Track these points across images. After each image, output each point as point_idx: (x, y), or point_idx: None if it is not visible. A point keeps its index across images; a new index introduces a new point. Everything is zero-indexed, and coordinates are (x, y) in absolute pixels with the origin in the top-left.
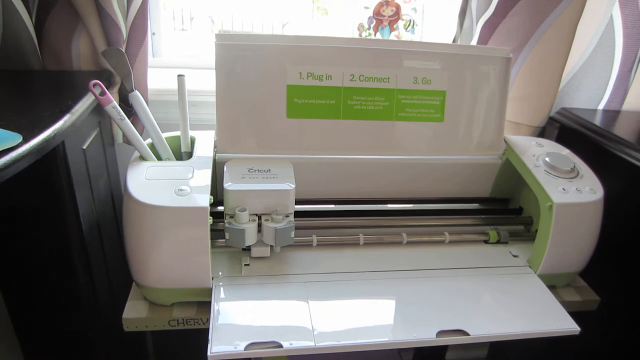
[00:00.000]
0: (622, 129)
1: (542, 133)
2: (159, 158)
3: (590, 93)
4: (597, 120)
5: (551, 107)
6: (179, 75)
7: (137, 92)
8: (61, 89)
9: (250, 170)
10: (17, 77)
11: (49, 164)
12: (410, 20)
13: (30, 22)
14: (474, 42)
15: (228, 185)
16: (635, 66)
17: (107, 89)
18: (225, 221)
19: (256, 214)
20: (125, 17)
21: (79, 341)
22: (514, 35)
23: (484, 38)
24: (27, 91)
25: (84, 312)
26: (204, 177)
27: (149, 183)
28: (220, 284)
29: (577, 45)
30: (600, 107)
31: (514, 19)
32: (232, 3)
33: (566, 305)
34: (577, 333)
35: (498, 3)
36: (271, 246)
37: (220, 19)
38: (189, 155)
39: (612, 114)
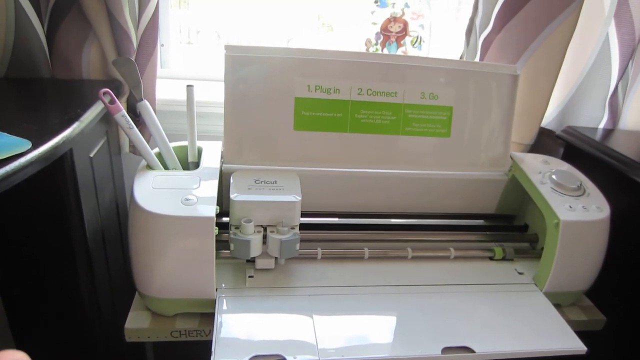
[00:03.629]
0: (628, 148)
1: (530, 151)
2: (166, 167)
3: (591, 111)
4: (603, 139)
5: (539, 124)
6: (188, 86)
7: (146, 102)
8: (70, 97)
9: (257, 182)
10: (27, 84)
11: (57, 171)
12: (417, 37)
13: (42, 31)
14: (477, 59)
15: (234, 196)
16: (628, 84)
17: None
18: (231, 232)
19: (262, 226)
20: (137, 27)
21: (80, 351)
22: (507, 51)
23: (483, 54)
24: (37, 99)
25: (86, 321)
26: (211, 188)
27: (155, 192)
28: (224, 295)
29: (575, 64)
30: (601, 125)
31: (508, 35)
32: (237, 18)
33: (572, 324)
34: (584, 353)
35: (495, 18)
36: (276, 258)
37: (226, 33)
38: (196, 165)
39: (617, 133)
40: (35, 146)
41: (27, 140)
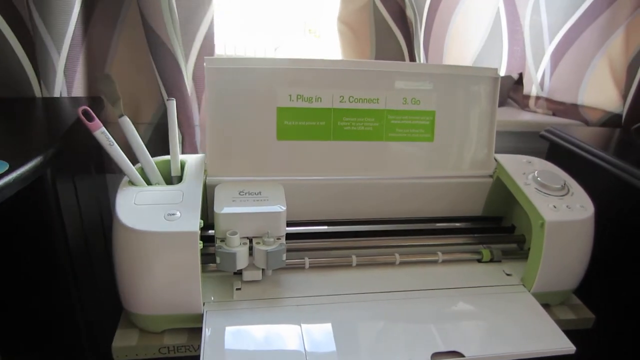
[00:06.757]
0: (610, 146)
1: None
2: (149, 183)
3: None
4: (586, 138)
5: None
6: (168, 99)
7: (126, 117)
8: (50, 115)
9: (241, 193)
10: (5, 103)
11: (37, 191)
12: None
13: (21, 51)
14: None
15: (218, 208)
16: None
17: (97, 115)
18: (216, 245)
19: (247, 237)
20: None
21: None
22: None
23: None
24: (15, 118)
25: (73, 342)
26: (194, 201)
27: (138, 208)
28: (212, 309)
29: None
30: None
31: None
32: (223, 27)
33: (561, 323)
34: (573, 352)
35: None
36: (263, 269)
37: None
38: (179, 179)
39: (600, 132)
40: (12, 168)
41: (3, 162)
